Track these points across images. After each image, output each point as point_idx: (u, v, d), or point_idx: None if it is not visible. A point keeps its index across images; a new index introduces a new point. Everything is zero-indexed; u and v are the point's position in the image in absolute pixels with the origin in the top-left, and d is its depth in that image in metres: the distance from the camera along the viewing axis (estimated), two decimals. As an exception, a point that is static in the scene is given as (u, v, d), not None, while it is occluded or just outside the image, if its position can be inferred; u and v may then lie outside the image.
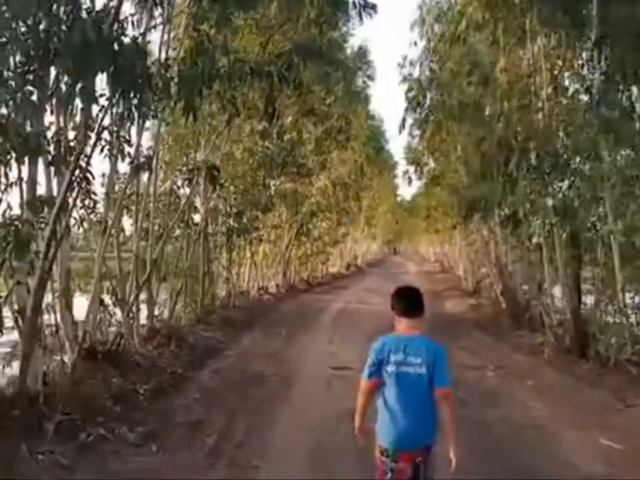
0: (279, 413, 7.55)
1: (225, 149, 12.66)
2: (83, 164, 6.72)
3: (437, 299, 22.92)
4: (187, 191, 12.90)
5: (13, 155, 5.97)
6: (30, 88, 5.83)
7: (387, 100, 77.77)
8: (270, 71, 8.23)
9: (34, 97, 5.89)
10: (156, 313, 11.87)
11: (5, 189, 6.80)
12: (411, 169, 25.17)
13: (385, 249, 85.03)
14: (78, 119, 6.62)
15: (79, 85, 5.33)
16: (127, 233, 11.56)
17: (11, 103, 5.83)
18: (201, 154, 11.27)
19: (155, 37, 12.56)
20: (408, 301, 3.73)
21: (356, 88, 23.77)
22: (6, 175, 6.51)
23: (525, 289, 15.15)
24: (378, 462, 3.57)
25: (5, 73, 5.69)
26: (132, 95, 6.12)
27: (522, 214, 11.22)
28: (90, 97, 5.50)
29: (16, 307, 6.42)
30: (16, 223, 6.25)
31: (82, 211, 8.66)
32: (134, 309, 10.35)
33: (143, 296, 11.01)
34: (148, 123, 11.58)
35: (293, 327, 14.92)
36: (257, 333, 13.97)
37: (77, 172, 6.60)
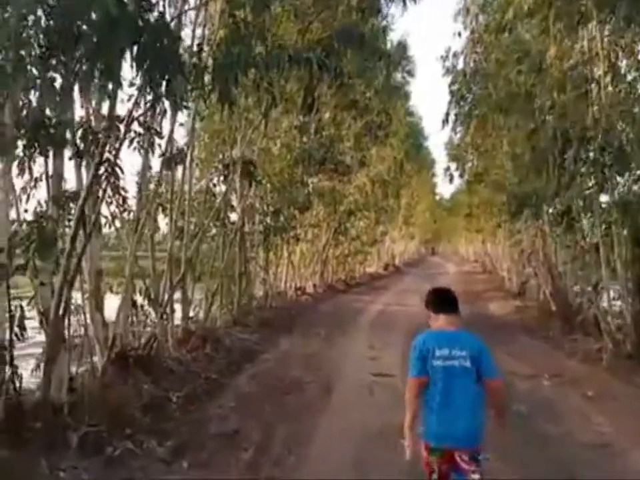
0: (319, 424, 7.02)
1: (261, 145, 12.15)
2: (110, 157, 6.30)
3: (479, 300, 22.09)
4: (223, 188, 12.49)
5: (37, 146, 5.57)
6: (53, 74, 5.42)
7: (426, 96, 76.51)
8: (309, 57, 7.70)
9: (57, 84, 5.47)
10: (191, 314, 11.48)
11: (32, 184, 6.47)
12: (453, 165, 24.48)
13: (422, 249, 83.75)
14: (105, 108, 6.17)
15: (101, 67, 4.83)
16: (163, 231, 11.23)
17: (32, 90, 5.44)
18: (237, 150, 10.79)
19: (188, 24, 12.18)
20: (444, 297, 3.82)
21: (395, 83, 23.15)
22: (30, 170, 6.15)
23: (576, 290, 14.31)
24: (424, 461, 3.53)
25: (26, 58, 5.28)
26: (161, 79, 5.65)
27: (576, 211, 10.45)
28: (114, 79, 5.03)
29: (41, 308, 6.04)
30: (40, 219, 5.87)
31: (113, 208, 8.36)
32: (168, 310, 9.97)
33: (177, 296, 10.65)
34: (182, 118, 11.28)
35: (331, 329, 14.38)
36: (294, 336, 13.47)
37: (104, 165, 6.18)
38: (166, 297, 9.50)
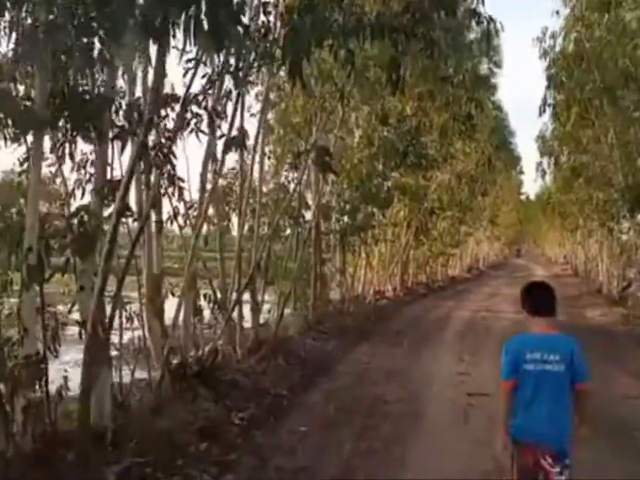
0: (407, 460, 5.84)
1: (338, 132, 10.97)
2: (163, 141, 5.37)
3: (573, 306, 20.06)
4: (297, 185, 11.52)
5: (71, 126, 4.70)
6: (90, 39, 4.52)
7: (510, 90, 72.99)
8: (395, 25, 6.51)
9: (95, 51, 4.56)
10: (261, 320, 10.57)
11: (86, 177, 5.66)
12: (545, 160, 22.61)
13: (506, 251, 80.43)
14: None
15: (145, 27, 3.87)
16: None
17: (66, 58, 4.56)
18: (312, 138, 9.74)
19: None
20: (540, 298, 3.62)
21: (482, 72, 21.52)
22: (71, 155, 5.32)
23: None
24: (510, 460, 3.53)
25: (59, 19, 4.40)
26: (219, 47, 4.64)
27: None
28: (160, 41, 4.07)
29: (80, 317, 5.18)
30: (81, 214, 5.00)
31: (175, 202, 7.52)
32: (235, 315, 9.07)
33: (246, 301, 9.75)
34: (253, 106, 10.36)
35: (414, 337, 13.11)
36: (374, 344, 12.28)
37: (155, 150, 5.26)
38: (232, 302, 8.56)
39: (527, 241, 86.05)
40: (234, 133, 6.78)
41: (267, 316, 11.32)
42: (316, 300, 13.65)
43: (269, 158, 12.10)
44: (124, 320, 6.31)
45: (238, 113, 6.99)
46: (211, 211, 8.96)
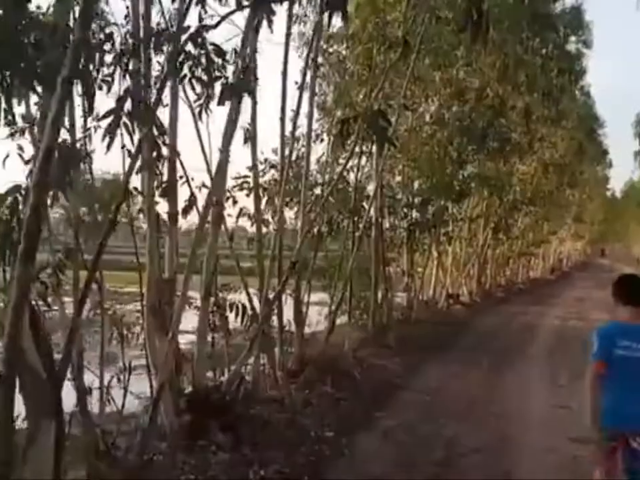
0: None
1: (401, 101, 8.93)
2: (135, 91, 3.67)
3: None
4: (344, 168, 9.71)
5: None
6: None
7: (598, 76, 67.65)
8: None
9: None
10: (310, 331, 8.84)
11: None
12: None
13: (589, 250, 75.61)
14: None
15: None
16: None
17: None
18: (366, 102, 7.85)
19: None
20: (632, 288, 3.71)
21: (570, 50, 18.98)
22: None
23: None
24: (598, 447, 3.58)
25: None
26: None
27: None
28: None
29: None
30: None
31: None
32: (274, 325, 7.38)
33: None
34: (294, 73, 8.55)
35: (495, 353, 11.01)
36: (446, 363, 10.24)
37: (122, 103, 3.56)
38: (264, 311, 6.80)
39: (612, 239, 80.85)
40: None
41: (321, 328, 9.61)
42: (378, 306, 11.78)
43: (320, 139, 10.25)
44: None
45: (249, 52, 5.12)
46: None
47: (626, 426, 3.51)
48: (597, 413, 3.54)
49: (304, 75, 7.93)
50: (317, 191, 10.68)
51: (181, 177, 5.91)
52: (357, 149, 11.32)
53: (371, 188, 12.01)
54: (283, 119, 7.48)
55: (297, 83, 8.09)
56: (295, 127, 8.01)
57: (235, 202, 7.46)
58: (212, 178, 5.99)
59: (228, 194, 7.28)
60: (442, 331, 13.17)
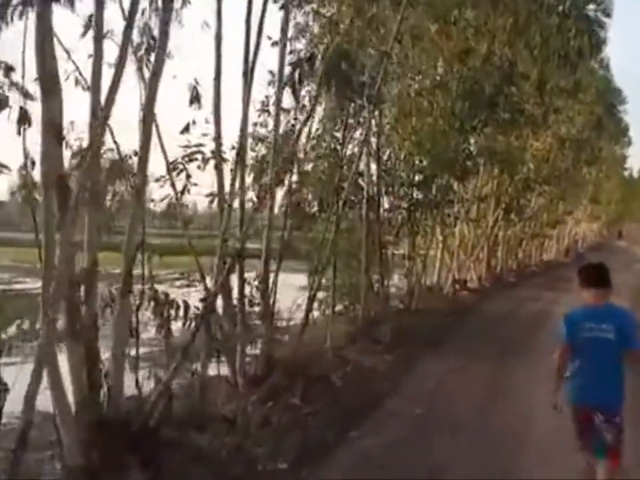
0: None
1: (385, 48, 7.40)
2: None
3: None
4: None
5: None
6: None
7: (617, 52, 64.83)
8: None
9: None
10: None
11: None
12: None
13: (605, 232, 73.60)
14: None
15: None
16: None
17: None
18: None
19: None
20: (594, 273, 3.97)
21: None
22: None
23: None
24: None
25: None
26: None
27: None
28: None
29: None
30: None
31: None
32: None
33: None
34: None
35: (502, 348, 9.75)
36: (445, 359, 8.95)
37: None
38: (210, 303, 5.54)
39: (629, 221, 78.70)
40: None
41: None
42: (373, 294, 10.56)
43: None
44: None
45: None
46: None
47: (590, 403, 3.78)
48: (559, 392, 3.91)
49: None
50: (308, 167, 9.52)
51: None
52: (351, 120, 10.14)
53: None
54: (247, 76, 6.23)
55: (270, 38, 6.80)
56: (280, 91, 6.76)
57: (188, 176, 6.21)
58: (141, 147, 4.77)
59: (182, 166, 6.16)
60: (444, 321, 11.92)
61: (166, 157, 5.99)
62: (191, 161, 6.16)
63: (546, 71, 13.39)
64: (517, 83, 11.52)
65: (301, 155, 9.22)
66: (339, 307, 10.54)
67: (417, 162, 11.83)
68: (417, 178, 11.91)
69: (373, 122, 10.97)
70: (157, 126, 5.50)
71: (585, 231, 45.99)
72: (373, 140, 11.35)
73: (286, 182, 8.29)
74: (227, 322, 6.26)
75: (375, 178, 10.76)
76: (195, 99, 5.82)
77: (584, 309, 3.92)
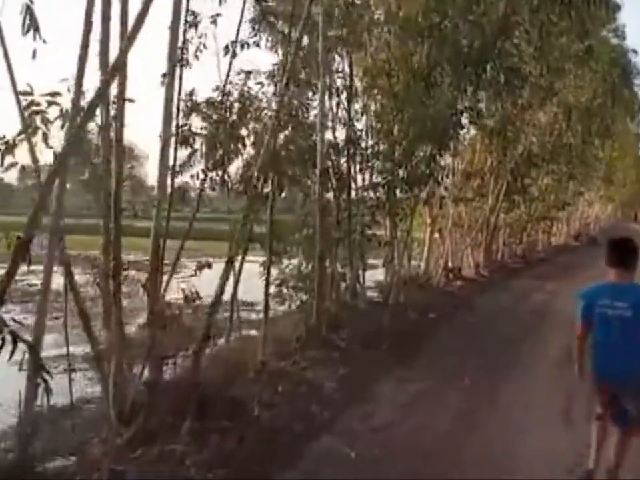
0: None
1: None
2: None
3: None
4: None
5: None
6: None
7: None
8: None
9: None
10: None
11: None
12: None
13: (619, 214, 71.24)
14: None
15: None
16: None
17: None
18: None
19: None
20: (618, 251, 3.95)
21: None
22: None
23: None
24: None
25: None
26: None
27: None
28: None
29: None
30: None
31: None
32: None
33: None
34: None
35: (492, 355, 7.99)
36: (416, 373, 7.16)
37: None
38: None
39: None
40: None
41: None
42: (336, 287, 8.86)
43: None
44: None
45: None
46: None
47: (612, 379, 3.80)
48: (583, 368, 3.94)
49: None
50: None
51: None
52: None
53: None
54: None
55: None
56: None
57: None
58: None
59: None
60: (426, 318, 10.15)
61: None
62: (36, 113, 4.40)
63: (550, 27, 11.46)
64: (511, 35, 9.63)
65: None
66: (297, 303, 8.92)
67: (395, 131, 10.03)
68: (396, 148, 10.11)
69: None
70: None
71: (598, 213, 43.80)
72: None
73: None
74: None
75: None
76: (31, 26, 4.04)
77: (599, 286, 3.98)
